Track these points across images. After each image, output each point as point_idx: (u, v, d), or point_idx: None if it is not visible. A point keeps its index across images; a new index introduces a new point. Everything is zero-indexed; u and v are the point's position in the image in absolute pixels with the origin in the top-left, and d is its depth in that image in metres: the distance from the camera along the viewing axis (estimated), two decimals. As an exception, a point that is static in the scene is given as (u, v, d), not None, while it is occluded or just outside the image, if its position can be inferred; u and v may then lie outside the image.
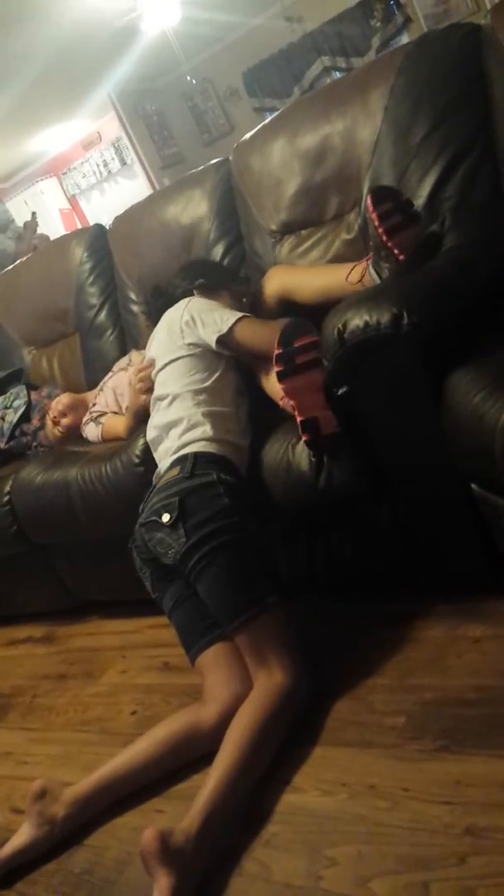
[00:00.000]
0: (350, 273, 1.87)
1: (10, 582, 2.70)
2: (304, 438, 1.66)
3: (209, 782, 1.40)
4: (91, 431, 2.53)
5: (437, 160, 1.92)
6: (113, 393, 2.53)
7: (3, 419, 2.91)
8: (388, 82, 2.02)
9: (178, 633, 1.76)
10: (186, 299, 2.03)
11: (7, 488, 2.46)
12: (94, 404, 2.60)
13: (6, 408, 2.92)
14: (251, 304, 2.09)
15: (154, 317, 2.20)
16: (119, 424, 2.40)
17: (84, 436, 2.57)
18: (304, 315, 1.87)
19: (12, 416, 2.88)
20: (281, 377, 1.65)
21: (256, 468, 1.82)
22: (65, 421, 2.61)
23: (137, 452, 2.06)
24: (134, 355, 2.58)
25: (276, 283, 2.08)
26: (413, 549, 1.72)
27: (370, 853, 1.23)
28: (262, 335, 1.87)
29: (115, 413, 2.49)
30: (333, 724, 1.54)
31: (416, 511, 1.67)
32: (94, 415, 2.55)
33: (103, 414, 2.52)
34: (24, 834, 1.54)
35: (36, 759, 1.96)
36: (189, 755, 1.58)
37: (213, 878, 1.31)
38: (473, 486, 1.52)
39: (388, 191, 1.76)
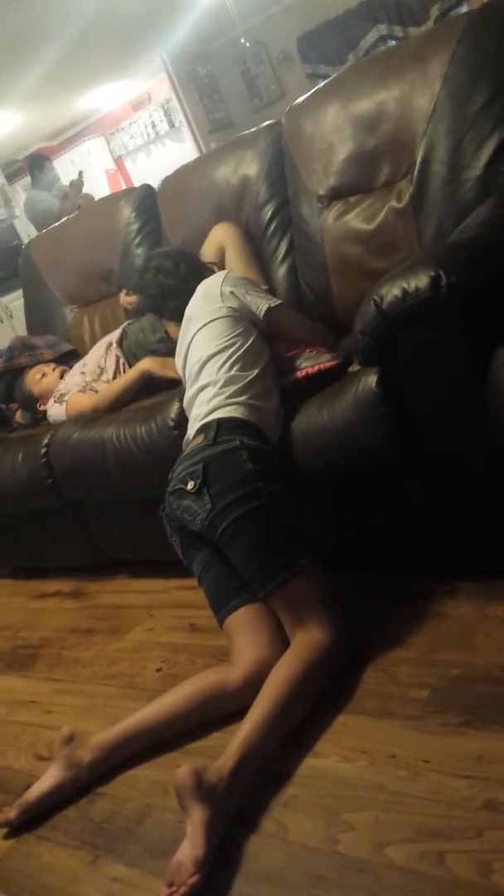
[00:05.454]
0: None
1: (44, 536, 2.74)
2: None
3: (245, 725, 1.43)
4: (55, 411, 2.62)
5: (495, 130, 1.88)
6: (79, 371, 2.67)
7: None
8: (448, 50, 1.97)
9: (208, 596, 1.77)
10: (222, 272, 2.04)
11: (45, 441, 2.49)
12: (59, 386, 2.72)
13: None
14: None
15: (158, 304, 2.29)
16: (84, 399, 2.54)
17: (49, 418, 2.69)
18: None
19: None
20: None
21: (289, 432, 1.82)
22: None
23: (173, 415, 2.06)
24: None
25: (220, 236, 2.34)
26: (446, 526, 1.71)
27: (387, 820, 1.24)
28: (300, 325, 2.02)
29: (80, 392, 2.60)
30: (357, 693, 1.54)
31: (452, 486, 1.65)
32: (58, 394, 2.65)
33: (66, 392, 2.62)
34: (51, 776, 1.58)
35: (60, 709, 2.00)
36: (212, 713, 1.60)
37: (230, 836, 1.32)
38: (512, 464, 1.50)
39: None
